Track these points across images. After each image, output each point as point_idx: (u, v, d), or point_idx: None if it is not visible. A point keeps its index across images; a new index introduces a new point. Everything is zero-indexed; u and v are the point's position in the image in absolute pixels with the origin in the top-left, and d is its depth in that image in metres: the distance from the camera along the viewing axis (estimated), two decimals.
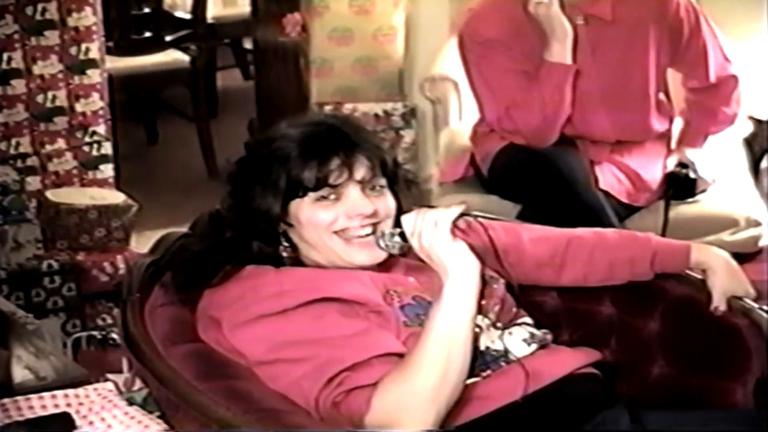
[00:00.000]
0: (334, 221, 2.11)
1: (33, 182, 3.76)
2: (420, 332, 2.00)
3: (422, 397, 1.92)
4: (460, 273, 1.98)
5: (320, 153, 2.08)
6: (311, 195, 2.09)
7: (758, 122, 4.16)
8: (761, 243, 3.77)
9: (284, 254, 2.15)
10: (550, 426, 2.07)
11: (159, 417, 2.16)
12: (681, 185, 3.55)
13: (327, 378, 1.95)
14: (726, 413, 2.27)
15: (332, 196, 2.10)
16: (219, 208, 2.20)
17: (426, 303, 2.08)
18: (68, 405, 2.06)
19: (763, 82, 4.38)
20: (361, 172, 2.11)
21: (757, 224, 3.72)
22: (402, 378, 1.94)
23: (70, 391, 2.12)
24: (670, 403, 2.33)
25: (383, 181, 2.16)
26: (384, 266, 2.19)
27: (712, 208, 3.61)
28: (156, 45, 5.38)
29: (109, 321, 3.59)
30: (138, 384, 2.40)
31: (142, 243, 3.39)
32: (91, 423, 2.05)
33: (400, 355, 1.99)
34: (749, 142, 4.11)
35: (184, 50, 5.39)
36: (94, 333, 3.49)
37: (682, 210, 3.58)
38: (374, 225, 2.14)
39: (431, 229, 1.99)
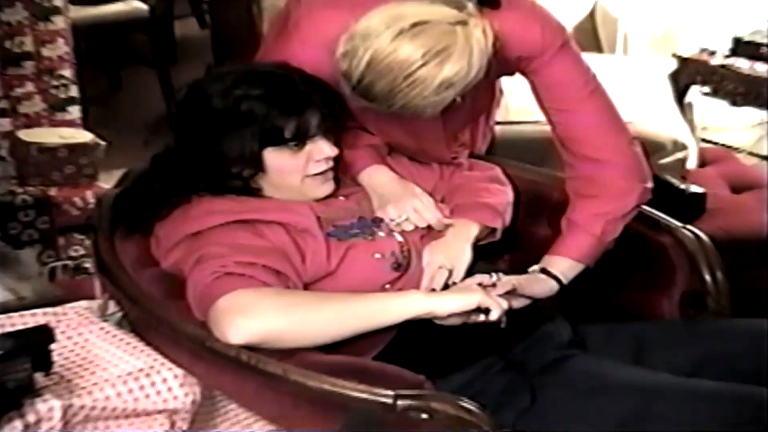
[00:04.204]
0: (305, 166, 2.23)
1: (5, 124, 3.77)
2: (351, 245, 2.17)
3: (280, 328, 1.97)
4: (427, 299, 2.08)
5: (297, 109, 2.19)
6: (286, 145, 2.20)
7: (682, 59, 4.31)
8: (688, 165, 3.85)
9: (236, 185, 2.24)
10: (492, 336, 2.13)
11: None
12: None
13: (220, 263, 2.04)
14: (654, 324, 2.39)
15: (299, 144, 2.22)
16: (165, 151, 2.28)
17: (349, 223, 2.24)
18: (47, 322, 2.06)
19: (684, 22, 4.57)
20: (323, 121, 2.23)
21: (684, 147, 3.81)
22: (280, 302, 2.00)
23: (49, 310, 2.18)
24: (604, 315, 2.42)
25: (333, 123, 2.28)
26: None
27: (638, 132, 3.15)
28: None
29: (82, 252, 3.65)
30: (111, 308, 2.47)
31: (109, 179, 3.45)
32: (69, 338, 2.11)
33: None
34: (675, 77, 4.24)
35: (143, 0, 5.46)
36: (68, 262, 3.56)
37: None
38: (333, 161, 2.27)
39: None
